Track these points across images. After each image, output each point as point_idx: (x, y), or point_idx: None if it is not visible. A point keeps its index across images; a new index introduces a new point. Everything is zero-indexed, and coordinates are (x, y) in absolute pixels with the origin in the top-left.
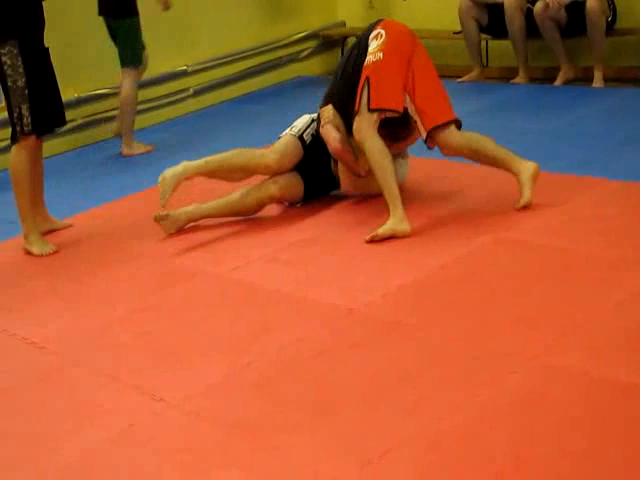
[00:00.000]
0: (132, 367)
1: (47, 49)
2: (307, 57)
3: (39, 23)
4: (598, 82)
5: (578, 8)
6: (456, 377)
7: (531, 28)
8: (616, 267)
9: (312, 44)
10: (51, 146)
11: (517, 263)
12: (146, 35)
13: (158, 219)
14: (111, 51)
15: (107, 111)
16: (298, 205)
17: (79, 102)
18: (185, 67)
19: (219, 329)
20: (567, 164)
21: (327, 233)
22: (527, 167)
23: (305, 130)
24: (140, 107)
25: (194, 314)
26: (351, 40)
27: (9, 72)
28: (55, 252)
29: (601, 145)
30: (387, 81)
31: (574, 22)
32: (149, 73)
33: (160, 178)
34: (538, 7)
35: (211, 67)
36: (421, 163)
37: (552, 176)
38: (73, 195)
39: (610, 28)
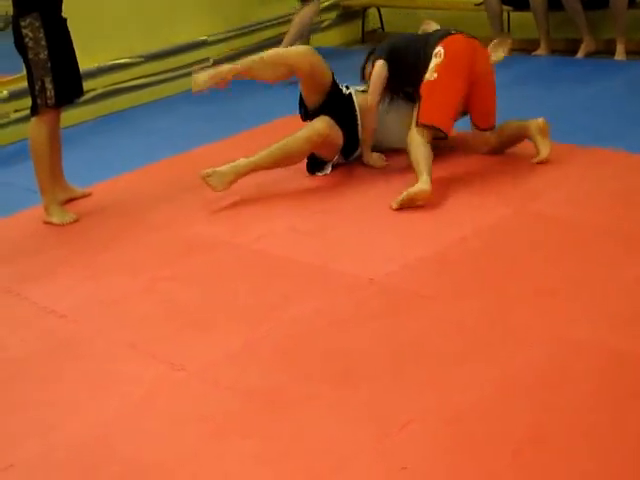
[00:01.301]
0: (152, 336)
1: (65, 19)
2: (327, 28)
3: None
4: (620, 55)
5: None
6: (476, 349)
7: (553, 0)
8: (637, 240)
9: (332, 15)
10: (72, 115)
11: (537, 236)
12: (165, 7)
13: (204, 176)
14: (132, 22)
15: (126, 81)
16: (328, 169)
17: (100, 72)
18: (205, 37)
19: (239, 299)
20: (588, 136)
21: (348, 204)
22: (534, 122)
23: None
24: (160, 77)
25: (214, 284)
26: (372, 11)
27: (30, 45)
28: (75, 221)
29: (622, 118)
30: (438, 101)
31: None
32: (169, 43)
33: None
34: None
35: (231, 37)
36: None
37: (573, 148)
38: (92, 165)
39: (633, 1)
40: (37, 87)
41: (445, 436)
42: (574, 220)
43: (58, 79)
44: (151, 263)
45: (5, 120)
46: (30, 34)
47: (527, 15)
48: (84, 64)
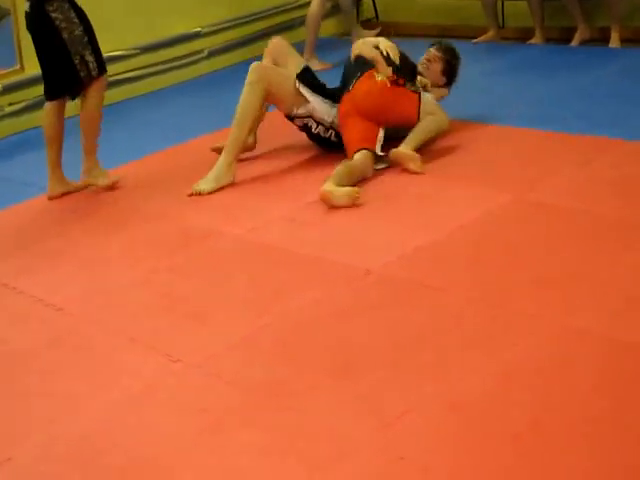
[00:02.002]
0: (151, 328)
1: None
2: (322, 18)
3: None
4: (615, 42)
5: None
6: (475, 338)
7: None
8: (636, 228)
9: (326, 5)
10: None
11: (536, 224)
12: None
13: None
14: (125, 14)
15: (121, 73)
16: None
17: None
18: (199, 29)
19: (237, 290)
20: (584, 125)
21: None
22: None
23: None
24: (154, 69)
25: (212, 275)
26: (367, 1)
27: (63, 25)
28: (115, 183)
29: (618, 105)
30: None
31: None
32: (163, 35)
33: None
34: None
35: (225, 29)
36: None
37: (569, 137)
38: None
39: None
40: (77, 62)
41: (444, 425)
42: (572, 208)
43: (95, 51)
44: (148, 254)
45: (0, 114)
46: (60, 16)
47: (522, 4)
48: None
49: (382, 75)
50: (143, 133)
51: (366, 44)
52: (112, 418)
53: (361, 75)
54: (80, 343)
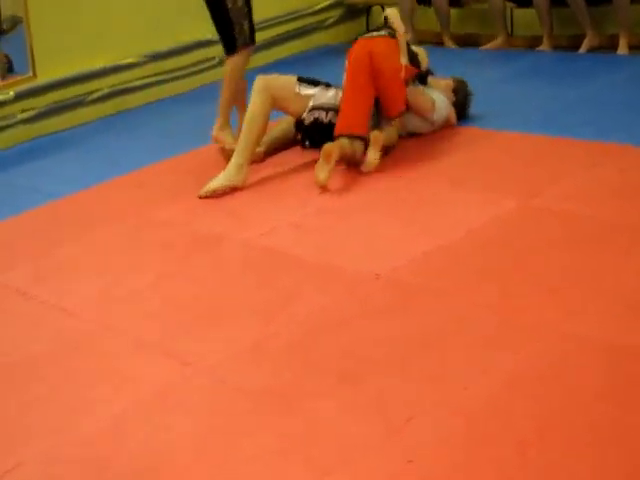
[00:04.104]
0: (161, 333)
1: None
2: (332, 25)
3: None
4: (623, 49)
5: None
6: (481, 344)
7: None
8: None
9: (337, 12)
10: (78, 115)
11: (542, 230)
12: (172, 4)
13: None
14: (138, 21)
15: (132, 80)
16: (307, 144)
17: (106, 72)
18: (210, 36)
19: (247, 295)
20: (592, 131)
21: (351, 200)
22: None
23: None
24: (166, 76)
25: (222, 280)
26: (376, 9)
27: None
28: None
29: (626, 112)
30: (349, 110)
31: None
32: (175, 42)
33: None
34: None
35: None
36: (442, 129)
37: (577, 143)
38: (98, 164)
39: None
40: (237, 30)
41: (451, 430)
42: (578, 213)
43: (251, 22)
44: (158, 260)
45: (12, 121)
46: None
47: (530, 12)
48: (89, 64)
49: (403, 59)
50: (152, 140)
51: (399, 19)
52: (123, 423)
53: (379, 35)
54: (92, 348)
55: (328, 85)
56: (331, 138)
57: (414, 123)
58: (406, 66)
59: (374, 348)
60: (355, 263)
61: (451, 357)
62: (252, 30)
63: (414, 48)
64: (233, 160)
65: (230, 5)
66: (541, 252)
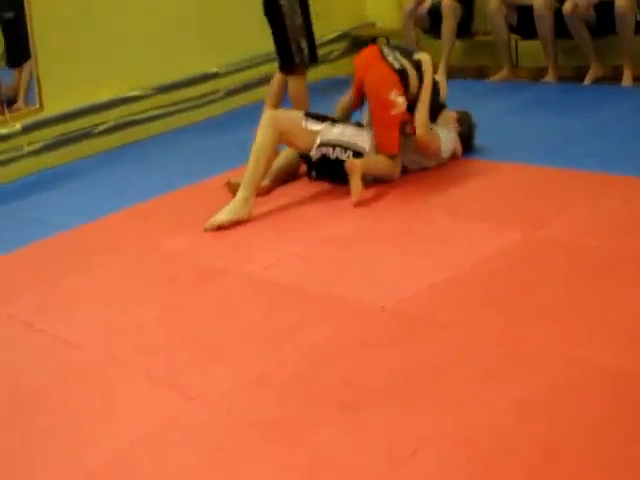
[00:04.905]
0: (166, 365)
1: None
2: (337, 58)
3: None
4: (627, 81)
5: (607, 7)
6: (486, 375)
7: (560, 28)
8: None
9: (342, 45)
10: (85, 147)
11: (547, 261)
12: (178, 37)
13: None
14: (145, 53)
15: (139, 113)
16: (313, 175)
17: (113, 104)
18: (216, 69)
19: (252, 327)
20: (596, 162)
21: (356, 232)
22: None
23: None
24: (172, 109)
25: (227, 312)
26: (381, 41)
27: (288, 13)
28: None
29: (631, 143)
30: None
31: (603, 21)
32: (182, 74)
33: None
34: (567, 6)
35: (242, 69)
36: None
37: (581, 174)
38: (106, 196)
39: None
40: (294, 47)
41: (457, 459)
42: (583, 245)
43: (309, 41)
44: (163, 291)
45: (19, 153)
46: (287, 4)
47: (535, 43)
48: (96, 97)
49: (400, 106)
50: (159, 172)
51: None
52: (128, 456)
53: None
54: (97, 380)
55: (334, 121)
56: (339, 173)
57: (421, 160)
58: (403, 112)
59: (378, 379)
60: (359, 294)
61: (456, 388)
62: (311, 49)
63: (436, 77)
64: (239, 194)
65: (288, 22)
66: (546, 283)
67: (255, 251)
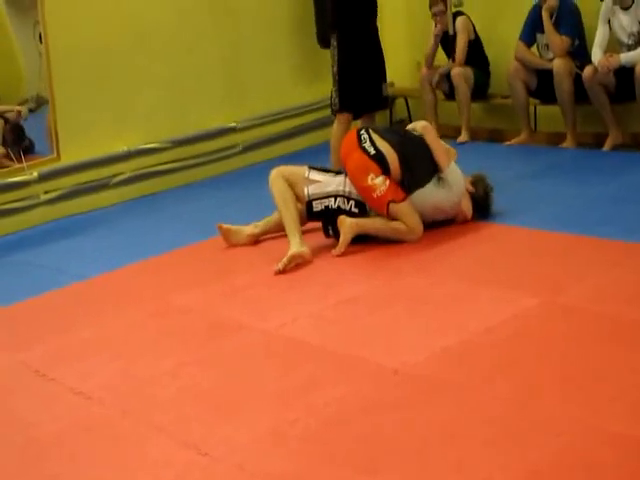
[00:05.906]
0: (178, 420)
1: (374, 33)
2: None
3: (362, 15)
4: None
5: (627, 73)
6: (502, 438)
7: (580, 93)
8: None
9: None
10: (101, 198)
11: (564, 328)
12: (197, 92)
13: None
14: (163, 105)
15: (155, 165)
16: (330, 232)
17: (130, 155)
18: (234, 124)
19: (265, 384)
20: (615, 230)
21: (371, 292)
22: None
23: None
24: (189, 162)
25: (241, 369)
26: (399, 101)
27: (330, 59)
28: None
29: None
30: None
31: (623, 87)
32: (200, 128)
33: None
34: (587, 72)
35: (259, 124)
36: (463, 225)
37: (600, 241)
38: (120, 248)
39: None
40: (333, 94)
41: None
42: (598, 312)
43: (343, 90)
44: (177, 346)
45: (35, 201)
46: (332, 50)
47: (554, 108)
48: (113, 147)
49: (381, 185)
50: (177, 225)
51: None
52: None
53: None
54: (108, 432)
55: (338, 172)
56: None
57: (430, 213)
58: (387, 189)
59: (393, 440)
60: (375, 355)
61: (471, 451)
62: (342, 98)
63: (444, 144)
64: (292, 241)
65: (331, 68)
66: (561, 349)
67: (270, 309)
